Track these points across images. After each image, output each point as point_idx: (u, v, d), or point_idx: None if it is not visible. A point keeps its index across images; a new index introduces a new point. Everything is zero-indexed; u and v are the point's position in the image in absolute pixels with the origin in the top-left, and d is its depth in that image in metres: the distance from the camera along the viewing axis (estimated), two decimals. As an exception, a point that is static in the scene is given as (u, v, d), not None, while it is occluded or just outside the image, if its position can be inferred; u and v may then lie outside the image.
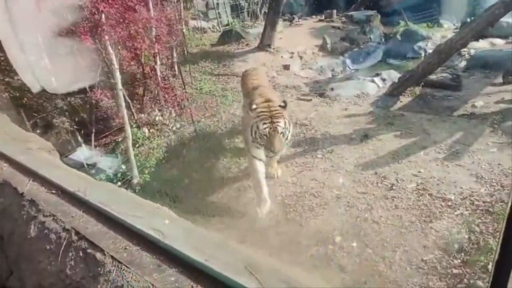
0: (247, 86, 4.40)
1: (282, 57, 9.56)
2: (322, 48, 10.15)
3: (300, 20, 12.26)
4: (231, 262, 1.40)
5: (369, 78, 8.23)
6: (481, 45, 10.96)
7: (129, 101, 5.76)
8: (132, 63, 6.09)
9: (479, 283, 2.59)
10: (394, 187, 3.97)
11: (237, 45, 10.10)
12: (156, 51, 6.08)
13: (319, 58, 9.88)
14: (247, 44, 10.11)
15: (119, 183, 4.68)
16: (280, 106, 3.47)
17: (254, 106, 3.41)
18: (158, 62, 6.42)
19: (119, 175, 4.95)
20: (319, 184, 4.22)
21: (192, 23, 11.46)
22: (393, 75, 8.23)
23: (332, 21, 11.70)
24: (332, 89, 7.74)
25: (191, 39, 10.59)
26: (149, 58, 6.35)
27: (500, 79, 7.68)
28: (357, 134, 5.23)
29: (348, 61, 10.26)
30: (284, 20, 12.55)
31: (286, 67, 8.98)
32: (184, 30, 9.27)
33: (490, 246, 2.89)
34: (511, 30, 10.59)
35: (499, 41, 11.00)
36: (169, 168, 5.12)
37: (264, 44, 9.57)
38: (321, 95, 7.23)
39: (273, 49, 9.62)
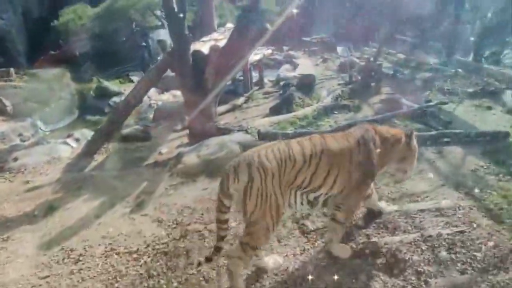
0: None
1: None
2: (1, 111, 8.77)
3: (-35, 79, 10.08)
4: None
5: (61, 140, 7.83)
6: (166, 97, 12.93)
7: None
8: None
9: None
10: (81, 258, 3.83)
11: None
12: None
13: (-3, 124, 8.46)
14: None
15: None
16: None
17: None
18: None
19: None
20: (-10, 285, 3.48)
21: None
22: (87, 134, 8.22)
23: (11, 80, 10.37)
24: (16, 159, 6.78)
25: None
26: None
27: (179, 126, 9.24)
28: (41, 209, 4.76)
29: (39, 123, 9.39)
30: None
31: None
32: None
33: (162, 286, 3.29)
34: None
35: (178, 93, 13.36)
36: None
37: None
38: (-2, 169, 6.15)
39: None
